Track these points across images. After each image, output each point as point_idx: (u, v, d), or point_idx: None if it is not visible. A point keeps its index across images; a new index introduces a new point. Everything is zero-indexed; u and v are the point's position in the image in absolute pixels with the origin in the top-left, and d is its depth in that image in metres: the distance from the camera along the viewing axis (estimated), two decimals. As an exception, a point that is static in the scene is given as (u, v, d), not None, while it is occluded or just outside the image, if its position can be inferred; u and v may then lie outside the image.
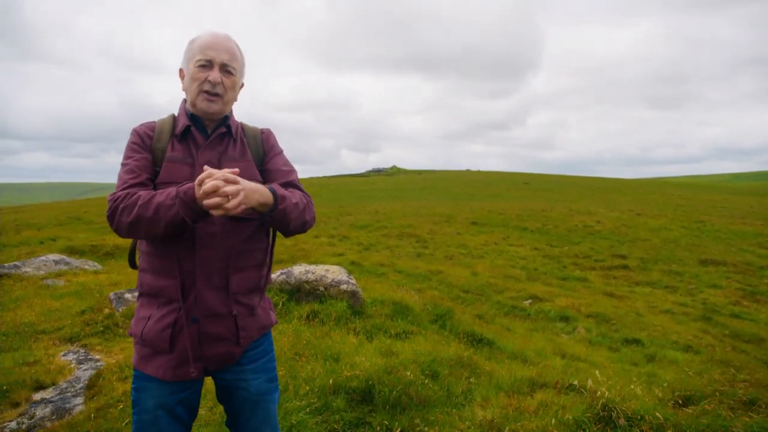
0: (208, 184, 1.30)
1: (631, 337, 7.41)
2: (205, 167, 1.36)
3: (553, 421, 2.74)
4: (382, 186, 51.81)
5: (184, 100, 1.65)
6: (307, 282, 5.34)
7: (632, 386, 3.27)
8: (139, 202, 1.40)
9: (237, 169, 1.38)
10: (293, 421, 2.66)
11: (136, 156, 1.55)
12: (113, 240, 13.33)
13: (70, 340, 4.61)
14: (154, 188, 1.52)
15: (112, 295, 5.66)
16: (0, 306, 5.89)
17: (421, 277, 10.52)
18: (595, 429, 2.68)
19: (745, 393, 3.22)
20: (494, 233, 19.77)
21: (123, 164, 1.56)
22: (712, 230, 20.24)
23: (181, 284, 1.50)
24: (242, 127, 1.72)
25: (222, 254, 1.52)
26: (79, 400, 3.34)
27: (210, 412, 2.84)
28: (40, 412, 3.14)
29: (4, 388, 3.36)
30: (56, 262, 8.87)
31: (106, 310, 5.24)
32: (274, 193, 1.48)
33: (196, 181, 1.35)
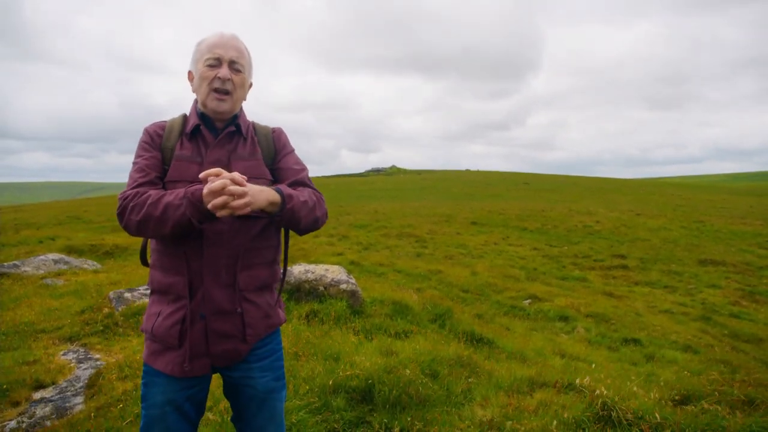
0: (217, 183, 1.32)
1: (631, 336, 7.41)
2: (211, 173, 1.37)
3: (554, 420, 2.75)
4: (382, 186, 51.80)
5: (196, 101, 1.66)
6: (306, 281, 5.34)
7: (632, 385, 3.28)
8: (149, 201, 1.43)
9: (245, 177, 1.39)
10: (293, 421, 2.67)
11: (146, 155, 1.58)
12: (112, 239, 13.32)
13: (70, 339, 4.61)
14: (164, 187, 1.55)
15: (111, 294, 5.66)
16: (-1, 305, 5.89)
17: (421, 277, 10.52)
18: (595, 428, 2.69)
19: (744, 392, 3.22)
20: (494, 233, 19.77)
21: (134, 163, 1.58)
22: (711, 230, 20.25)
23: (189, 281, 1.52)
24: (254, 126, 1.73)
25: (230, 252, 1.53)
26: (79, 399, 3.34)
27: (209, 412, 2.84)
28: (40, 411, 3.15)
29: (4, 387, 3.36)
30: (56, 262, 8.87)
31: (106, 310, 5.24)
32: (280, 193, 1.49)
33: (201, 175, 1.36)
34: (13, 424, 2.96)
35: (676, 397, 3.26)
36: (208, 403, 2.91)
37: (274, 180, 1.66)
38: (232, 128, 1.63)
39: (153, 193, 1.45)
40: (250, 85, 1.70)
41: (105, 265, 9.77)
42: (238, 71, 1.60)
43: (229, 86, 1.58)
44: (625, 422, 2.68)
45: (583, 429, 2.70)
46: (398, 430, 2.73)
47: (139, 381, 3.32)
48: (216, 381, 2.27)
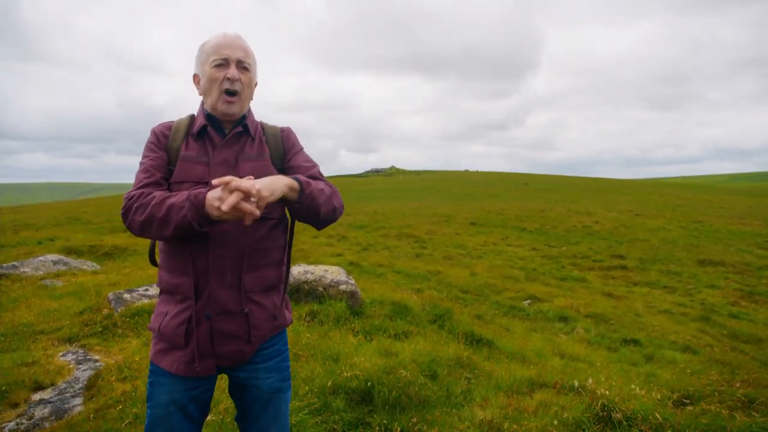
0: (232, 198, 1.28)
1: (630, 337, 7.41)
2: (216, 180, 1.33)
3: (553, 421, 2.74)
4: (381, 186, 51.78)
5: (203, 101, 1.66)
6: (306, 282, 5.34)
7: (631, 386, 3.28)
8: (153, 202, 1.43)
9: (253, 181, 1.36)
10: (293, 422, 2.67)
11: (151, 155, 1.58)
12: (111, 240, 13.31)
13: (69, 340, 4.60)
14: (169, 187, 1.55)
15: (110, 295, 5.65)
16: (-2, 306, 5.88)
17: (420, 278, 10.52)
18: (595, 429, 2.69)
19: (743, 393, 3.23)
20: (493, 233, 19.78)
21: (140, 163, 1.59)
22: (710, 230, 20.27)
23: (195, 282, 1.52)
24: (262, 126, 1.73)
25: (235, 253, 1.53)
26: (78, 400, 3.34)
27: (209, 413, 2.84)
28: (39, 412, 3.14)
29: (3, 388, 3.35)
30: (55, 263, 8.86)
31: (105, 311, 5.23)
32: (297, 179, 1.50)
33: (214, 182, 1.33)
34: (12, 425, 2.95)
35: (676, 398, 3.27)
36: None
37: None
38: (240, 128, 1.63)
39: (158, 194, 1.45)
40: (256, 84, 1.70)
41: (104, 266, 9.75)
42: (245, 69, 1.61)
43: (237, 86, 1.58)
44: (625, 423, 2.68)
45: (583, 430, 2.70)
46: (398, 430, 2.73)
47: (138, 382, 3.32)
48: (217, 382, 2.28)
